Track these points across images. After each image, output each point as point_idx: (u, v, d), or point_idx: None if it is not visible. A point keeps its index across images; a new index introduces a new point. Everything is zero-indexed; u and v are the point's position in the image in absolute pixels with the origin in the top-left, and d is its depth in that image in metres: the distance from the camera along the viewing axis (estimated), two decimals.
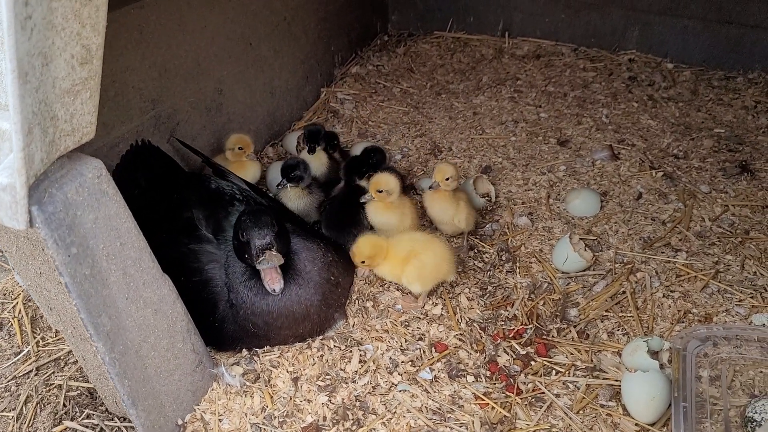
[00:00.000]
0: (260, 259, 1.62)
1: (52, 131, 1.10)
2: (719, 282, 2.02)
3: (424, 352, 1.83)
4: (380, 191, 2.08)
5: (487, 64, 3.44)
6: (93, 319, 1.27)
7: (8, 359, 1.99)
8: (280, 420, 1.64)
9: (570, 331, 1.91)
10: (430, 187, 2.15)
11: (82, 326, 1.54)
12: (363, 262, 1.95)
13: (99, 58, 1.16)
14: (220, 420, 1.64)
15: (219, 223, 1.87)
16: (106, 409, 1.82)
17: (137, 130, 2.11)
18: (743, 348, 1.72)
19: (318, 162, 2.42)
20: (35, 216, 1.13)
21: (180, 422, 1.61)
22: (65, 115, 1.12)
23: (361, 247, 1.95)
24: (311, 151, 2.39)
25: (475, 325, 1.92)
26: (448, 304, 1.98)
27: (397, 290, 2.05)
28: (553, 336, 1.90)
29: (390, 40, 3.73)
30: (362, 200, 2.13)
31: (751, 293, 1.96)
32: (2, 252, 2.34)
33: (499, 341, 1.87)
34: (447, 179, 2.11)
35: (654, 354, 1.73)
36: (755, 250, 2.13)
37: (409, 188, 2.52)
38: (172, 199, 1.94)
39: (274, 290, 1.69)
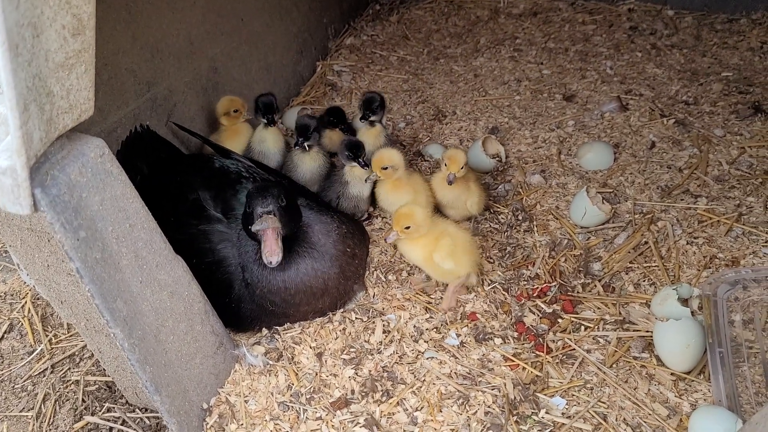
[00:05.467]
0: (255, 222, 1.55)
1: (49, 108, 1.04)
2: (743, 224, 1.97)
3: (448, 317, 1.79)
4: (385, 168, 1.95)
5: (484, 26, 3.36)
6: (108, 305, 1.22)
7: (22, 359, 1.95)
8: (308, 397, 1.60)
9: (595, 286, 1.86)
10: (450, 182, 1.96)
11: (96, 316, 1.50)
12: (408, 228, 1.78)
13: (91, 29, 1.09)
14: (246, 401, 1.59)
15: (227, 202, 1.82)
16: (127, 401, 1.79)
17: (134, 114, 2.05)
18: None
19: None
20: (39, 199, 1.07)
21: (205, 406, 1.56)
22: (61, 90, 1.06)
23: (413, 214, 1.77)
24: (303, 148, 2.17)
25: (497, 286, 1.87)
26: None
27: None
28: (578, 292, 1.85)
29: (382, 9, 3.64)
30: (366, 181, 2.02)
31: None
32: (6, 251, 2.30)
33: (523, 301, 1.83)
34: (462, 168, 1.96)
35: (684, 301, 1.68)
36: None
37: (416, 155, 2.46)
38: (177, 182, 1.88)
39: (270, 262, 1.57)
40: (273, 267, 1.59)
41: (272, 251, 1.58)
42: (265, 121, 2.26)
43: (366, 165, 2.02)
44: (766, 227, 1.94)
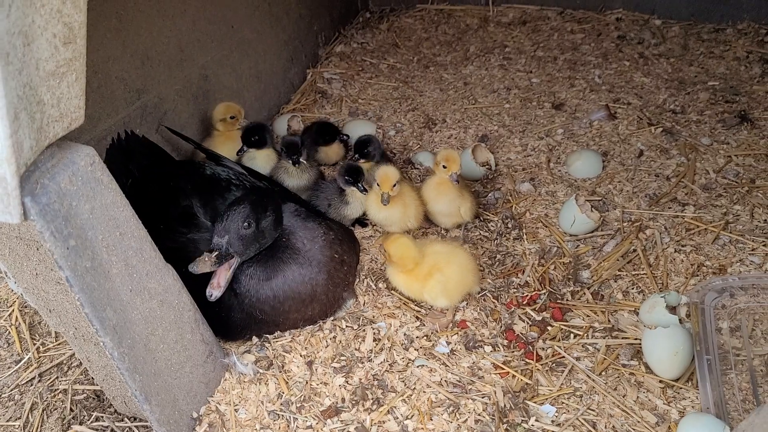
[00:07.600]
0: (194, 262, 1.54)
1: (40, 117, 1.04)
2: (730, 233, 1.98)
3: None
4: (395, 185, 1.94)
5: (473, 34, 3.38)
6: (98, 314, 1.21)
7: (9, 368, 1.93)
8: (298, 405, 1.59)
9: (584, 294, 1.87)
10: (457, 182, 1.98)
11: (85, 325, 1.49)
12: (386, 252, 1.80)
13: (82, 38, 1.09)
14: (236, 410, 1.59)
15: (216, 211, 1.81)
16: (115, 410, 1.77)
17: (124, 122, 2.04)
18: (761, 296, 1.69)
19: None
20: (29, 208, 1.07)
21: (195, 415, 1.56)
22: (52, 99, 1.06)
23: (396, 246, 1.77)
24: (296, 163, 2.21)
25: (487, 294, 1.88)
26: None
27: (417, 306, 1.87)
28: (567, 299, 1.86)
29: (372, 16, 3.66)
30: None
31: (763, 241, 1.93)
32: None
33: (513, 309, 1.83)
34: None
35: (672, 309, 1.69)
36: (763, 198, 2.10)
37: (406, 163, 2.47)
38: (168, 188, 1.87)
39: (210, 295, 1.57)
40: (212, 300, 1.57)
41: (213, 283, 1.58)
42: (245, 148, 2.29)
43: (365, 190, 2.04)
44: (753, 235, 1.96)
